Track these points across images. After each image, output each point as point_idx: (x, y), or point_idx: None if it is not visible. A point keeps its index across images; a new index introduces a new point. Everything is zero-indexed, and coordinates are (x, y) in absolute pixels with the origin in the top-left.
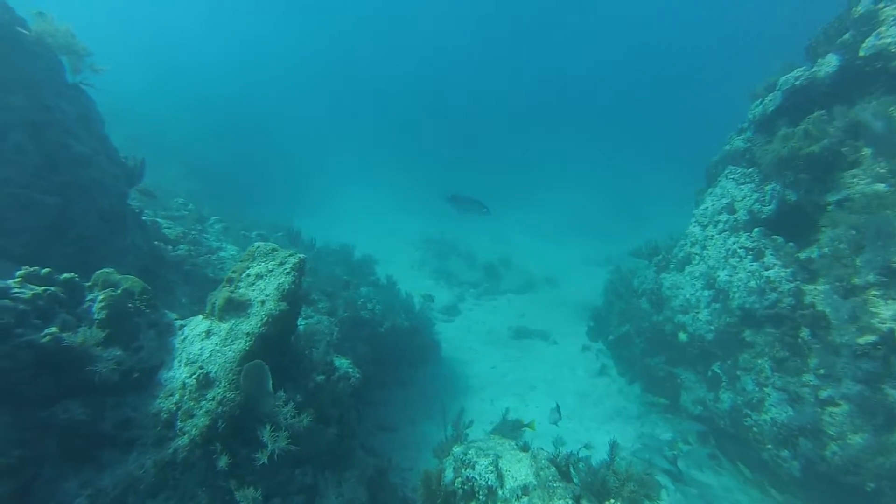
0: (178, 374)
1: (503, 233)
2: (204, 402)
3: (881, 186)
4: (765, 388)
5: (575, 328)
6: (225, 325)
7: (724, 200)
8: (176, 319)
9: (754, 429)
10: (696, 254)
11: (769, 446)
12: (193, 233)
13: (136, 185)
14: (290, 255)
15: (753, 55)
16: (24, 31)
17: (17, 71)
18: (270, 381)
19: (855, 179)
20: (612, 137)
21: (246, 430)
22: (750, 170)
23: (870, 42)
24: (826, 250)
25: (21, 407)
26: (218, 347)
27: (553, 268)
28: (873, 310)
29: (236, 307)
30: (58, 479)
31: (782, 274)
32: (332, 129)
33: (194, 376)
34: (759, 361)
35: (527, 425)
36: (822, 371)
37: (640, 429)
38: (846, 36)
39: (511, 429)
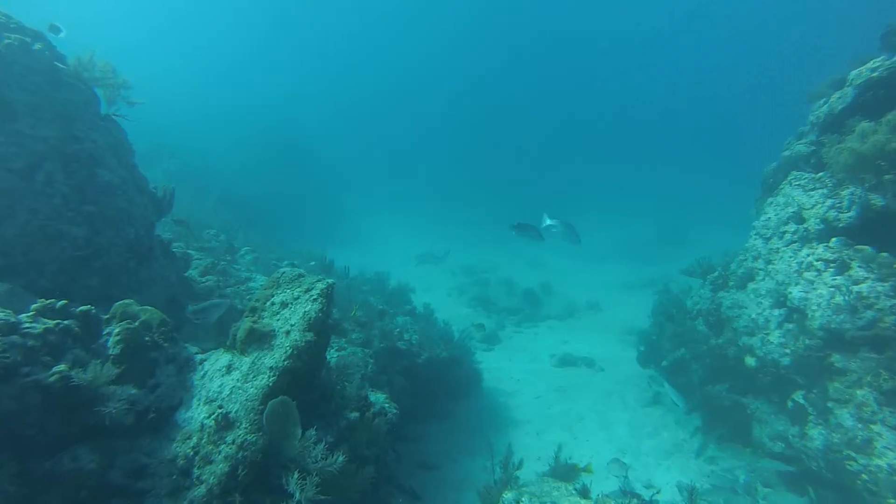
0: (197, 414)
1: (541, 259)
2: (223, 447)
3: None
4: (872, 426)
5: (622, 354)
6: (247, 359)
7: (791, 209)
8: (197, 353)
9: (864, 476)
10: (760, 269)
11: (891, 501)
12: (223, 263)
13: (165, 216)
14: (317, 281)
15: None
16: (61, 66)
17: (53, 103)
18: (298, 421)
19: None
20: (651, 161)
21: (270, 476)
22: (819, 174)
23: None
24: None
25: (26, 455)
26: (239, 384)
27: (594, 292)
28: None
29: (259, 339)
30: None
31: (879, 288)
32: (369, 159)
33: (213, 417)
34: (859, 392)
35: (584, 469)
36: None
37: (704, 466)
38: None
39: (566, 471)
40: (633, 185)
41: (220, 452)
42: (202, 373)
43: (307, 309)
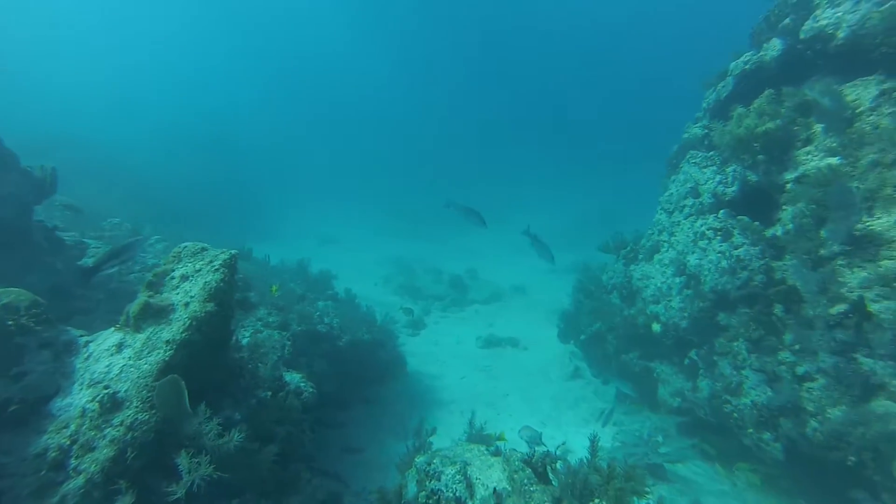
0: (78, 399)
1: (470, 248)
2: (109, 430)
3: (834, 160)
4: (742, 371)
5: (546, 333)
6: (141, 336)
7: (689, 185)
8: (81, 336)
9: (734, 414)
10: (665, 241)
11: (750, 430)
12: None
13: (47, 197)
14: (221, 253)
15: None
16: None
17: None
18: (186, 398)
19: (809, 156)
20: (582, 151)
21: (167, 457)
22: (710, 153)
23: (808, 25)
24: (790, 226)
25: None
26: (131, 362)
27: (521, 277)
28: (841, 279)
29: (156, 314)
30: None
31: (752, 252)
32: (297, 153)
33: (97, 399)
34: (736, 344)
35: (497, 438)
36: (797, 346)
37: (615, 428)
38: (787, 21)
39: (480, 439)
40: (565, 175)
41: (104, 437)
42: (86, 355)
43: (208, 279)
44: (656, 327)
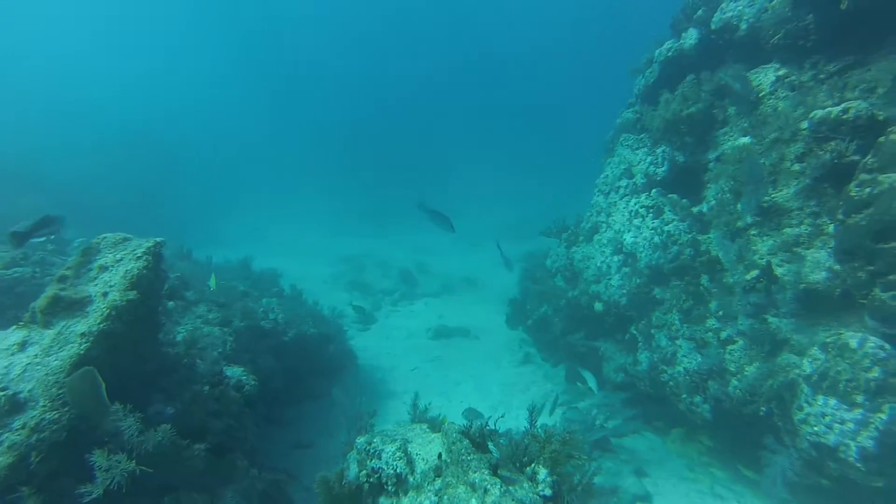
0: None
1: (419, 243)
2: (7, 435)
3: (746, 139)
4: (676, 341)
5: (497, 322)
6: (50, 331)
7: (622, 167)
8: None
9: (670, 383)
10: (603, 222)
11: (684, 396)
12: (41, 253)
13: None
14: (145, 241)
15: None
16: None
17: None
18: (104, 391)
19: (726, 136)
20: (520, 140)
21: (85, 459)
22: (642, 135)
23: (717, 16)
24: (713, 202)
25: None
26: (38, 360)
27: (471, 270)
28: (754, 248)
29: (68, 307)
30: None
31: (681, 227)
32: (241, 156)
33: None
34: (670, 316)
35: (440, 421)
36: (720, 313)
37: (561, 409)
38: (700, 12)
39: (423, 422)
40: (520, 167)
41: (1, 444)
42: None
43: (129, 267)
44: (598, 306)
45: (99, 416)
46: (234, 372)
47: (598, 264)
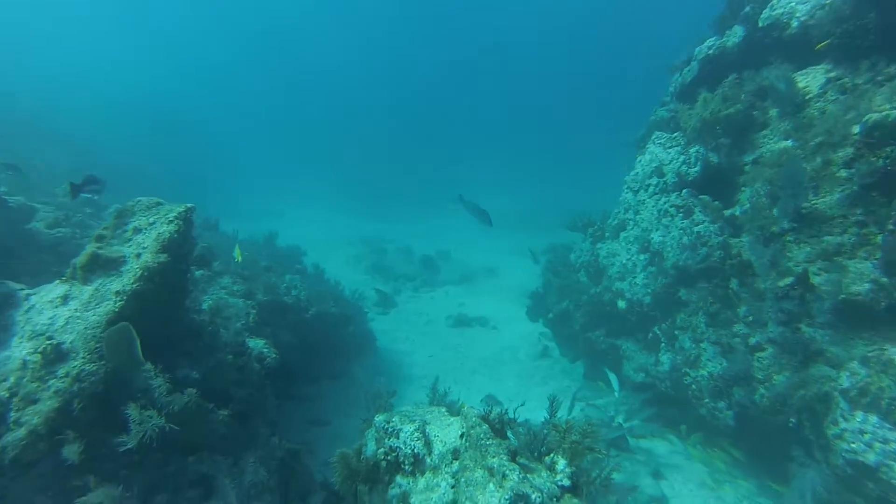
0: (18, 352)
1: (440, 230)
2: (53, 381)
3: (787, 143)
4: (701, 344)
5: (516, 314)
6: (89, 288)
7: (653, 164)
8: (21, 289)
9: (693, 386)
10: (630, 219)
11: (706, 400)
12: (80, 216)
13: None
14: (177, 206)
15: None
16: None
17: None
18: (139, 348)
19: (765, 139)
20: (548, 134)
21: (118, 411)
22: (675, 134)
23: (766, 13)
24: (747, 205)
25: None
26: (78, 313)
27: (492, 260)
28: (789, 254)
29: (104, 265)
30: None
31: (711, 229)
32: (266, 133)
33: (39, 351)
34: (695, 318)
35: (459, 406)
36: (750, 318)
37: (580, 404)
38: (747, 9)
39: (441, 402)
40: (523, 159)
41: (48, 388)
42: (27, 307)
43: (161, 230)
44: (621, 304)
45: (132, 372)
46: (256, 344)
47: (624, 262)
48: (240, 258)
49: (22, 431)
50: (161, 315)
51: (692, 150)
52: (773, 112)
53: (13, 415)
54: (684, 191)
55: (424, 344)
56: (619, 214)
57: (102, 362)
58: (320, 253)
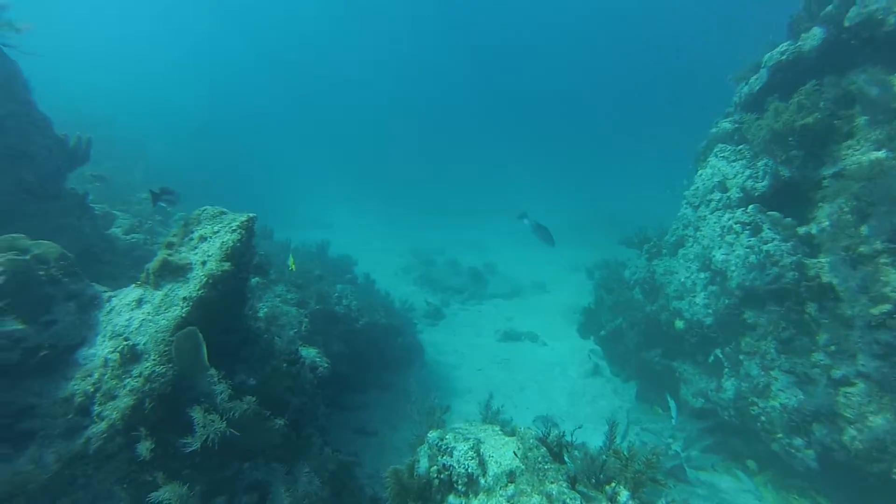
0: (101, 350)
1: (486, 243)
2: (129, 380)
3: (880, 153)
4: (771, 372)
5: (565, 330)
6: (159, 293)
7: (716, 179)
8: (105, 291)
9: (762, 418)
10: (690, 236)
11: (780, 435)
12: (150, 223)
13: (79, 166)
14: (239, 215)
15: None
16: None
17: None
18: (205, 353)
19: (850, 150)
20: (598, 149)
21: (183, 413)
22: (741, 147)
23: (854, 11)
24: (827, 223)
25: None
26: (150, 317)
27: (540, 274)
28: (884, 278)
29: (173, 271)
30: None
31: (783, 247)
32: (315, 145)
33: (118, 350)
34: (764, 343)
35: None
36: (832, 348)
37: (634, 426)
38: (829, 8)
39: (494, 420)
40: (579, 170)
41: (125, 386)
42: (108, 309)
43: (225, 239)
44: (679, 324)
45: (196, 376)
46: (309, 353)
47: (682, 280)
48: (294, 268)
49: (103, 425)
50: (222, 321)
51: (760, 164)
52: (861, 120)
53: (96, 408)
54: (751, 206)
55: (473, 357)
56: (677, 231)
57: (171, 365)
58: (369, 262)
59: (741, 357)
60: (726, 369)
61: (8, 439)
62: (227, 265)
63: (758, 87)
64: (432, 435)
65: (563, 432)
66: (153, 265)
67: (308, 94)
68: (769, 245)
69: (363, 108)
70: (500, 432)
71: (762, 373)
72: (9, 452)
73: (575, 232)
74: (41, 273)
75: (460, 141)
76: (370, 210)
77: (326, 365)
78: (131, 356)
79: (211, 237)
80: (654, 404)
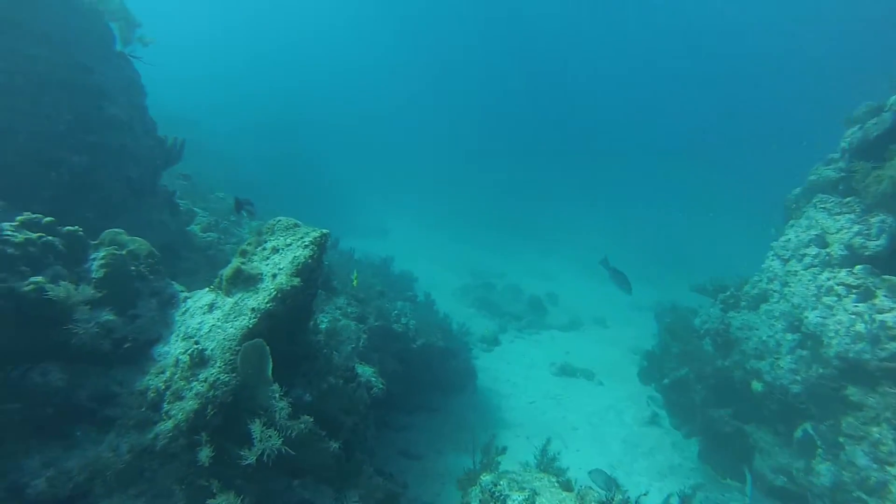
0: (174, 349)
1: (549, 271)
2: (195, 384)
3: None
4: (888, 468)
5: (623, 372)
6: (230, 300)
7: (813, 232)
8: (181, 291)
9: None
10: (776, 291)
11: None
12: (225, 223)
13: (172, 165)
14: (312, 230)
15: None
16: None
17: (66, 31)
18: (270, 367)
19: None
20: (668, 183)
21: (240, 423)
22: (847, 199)
23: None
24: None
25: None
26: (219, 323)
27: (601, 308)
28: None
29: (245, 280)
30: (18, 455)
31: None
32: (380, 158)
33: (188, 352)
34: (877, 430)
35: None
36: None
37: (699, 493)
38: None
39: (549, 467)
40: (644, 206)
41: (191, 389)
42: (184, 309)
43: (297, 254)
44: (757, 386)
45: (257, 389)
46: (365, 371)
47: (764, 338)
48: (356, 283)
49: (170, 424)
50: (286, 334)
51: (875, 220)
52: None
53: (165, 406)
54: (858, 267)
55: (525, 388)
56: (759, 283)
57: (234, 374)
58: (429, 280)
59: (842, 440)
60: (820, 450)
61: (95, 423)
62: (296, 280)
63: (876, 133)
64: (486, 479)
65: (627, 499)
66: (227, 272)
67: (374, 107)
68: (886, 315)
69: (433, 122)
70: (556, 484)
71: (874, 466)
72: (95, 437)
73: (639, 267)
74: (132, 268)
75: (529, 166)
76: (430, 223)
77: (381, 386)
78: (199, 360)
79: (283, 249)
80: (720, 469)
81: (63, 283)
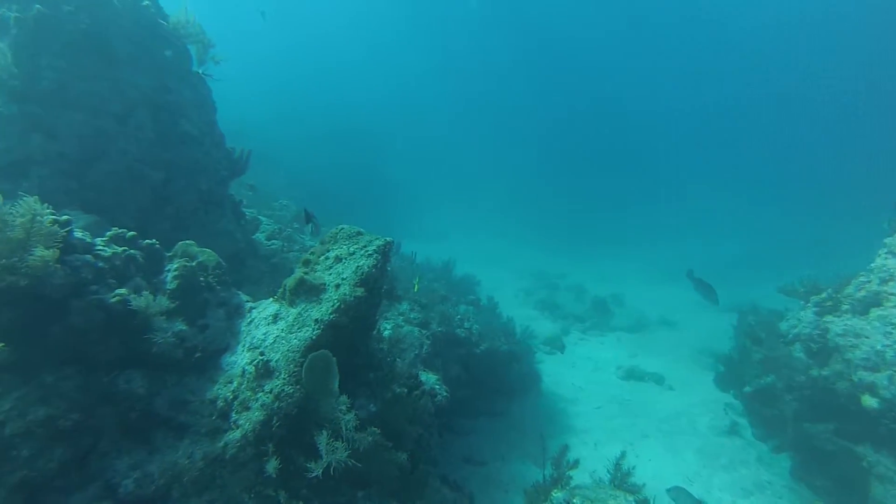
0: (240, 359)
1: (614, 272)
2: (260, 395)
3: None
4: None
5: (696, 376)
6: (294, 311)
7: None
8: (247, 301)
9: None
10: (892, 293)
11: None
12: (289, 231)
13: (238, 176)
14: (375, 238)
15: None
16: (163, 22)
17: (151, 56)
18: (337, 379)
19: None
20: (733, 181)
21: (305, 434)
22: None
23: None
24: None
25: (88, 370)
26: (283, 334)
27: (669, 309)
28: None
29: (308, 291)
30: (111, 455)
31: None
32: (441, 158)
33: (254, 363)
34: None
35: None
36: None
37: None
38: None
39: (624, 483)
40: (713, 203)
41: (257, 400)
42: (249, 319)
43: (360, 263)
44: (870, 402)
45: (323, 401)
46: (429, 379)
47: (879, 347)
48: (418, 288)
49: (238, 433)
50: (349, 345)
51: None
52: None
53: (234, 415)
54: None
55: (591, 393)
56: (868, 285)
57: (299, 386)
58: (491, 283)
59: None
60: None
61: (171, 429)
62: (360, 291)
63: None
64: (557, 496)
65: None
66: (290, 282)
67: (434, 116)
68: None
69: (495, 128)
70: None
71: None
72: (172, 443)
73: (709, 268)
74: (201, 279)
75: (591, 173)
76: (488, 228)
77: (445, 394)
78: (265, 371)
79: (346, 258)
80: (821, 492)
81: (144, 293)
